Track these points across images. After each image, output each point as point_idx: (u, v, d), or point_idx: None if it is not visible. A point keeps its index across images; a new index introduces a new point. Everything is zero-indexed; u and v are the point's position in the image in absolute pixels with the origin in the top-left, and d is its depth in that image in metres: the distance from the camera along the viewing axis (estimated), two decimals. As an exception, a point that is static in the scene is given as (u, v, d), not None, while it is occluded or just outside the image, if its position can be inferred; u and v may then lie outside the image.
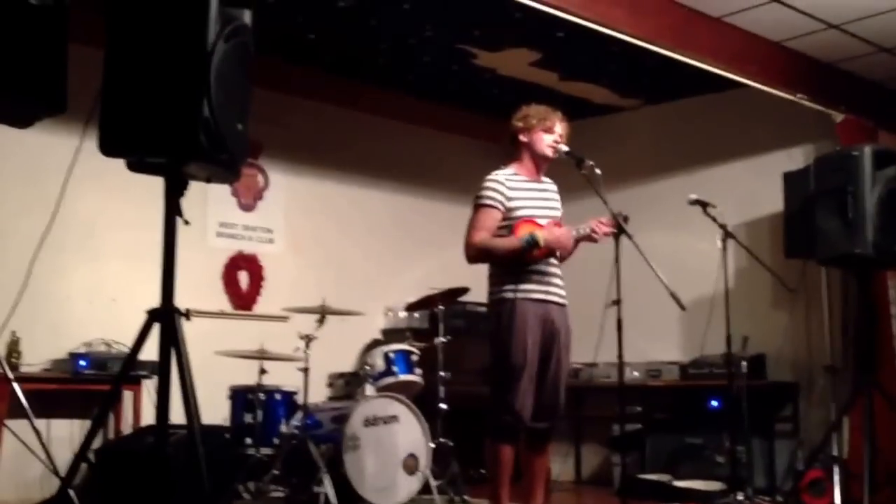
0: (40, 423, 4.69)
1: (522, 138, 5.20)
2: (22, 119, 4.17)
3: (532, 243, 4.94)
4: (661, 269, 5.12)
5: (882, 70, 7.54)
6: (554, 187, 5.35)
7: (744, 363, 6.73)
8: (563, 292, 5.17)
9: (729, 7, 6.49)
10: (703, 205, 6.26)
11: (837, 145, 7.30)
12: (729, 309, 6.29)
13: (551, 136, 5.17)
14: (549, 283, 5.08)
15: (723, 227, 6.29)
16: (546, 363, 5.04)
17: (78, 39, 3.96)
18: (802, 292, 7.54)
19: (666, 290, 5.11)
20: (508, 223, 5.05)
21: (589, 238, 5.14)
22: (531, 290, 5.02)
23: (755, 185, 8.00)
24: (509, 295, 5.00)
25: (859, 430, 6.67)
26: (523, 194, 5.11)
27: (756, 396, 6.81)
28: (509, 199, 5.06)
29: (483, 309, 5.75)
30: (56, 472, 4.60)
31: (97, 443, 6.36)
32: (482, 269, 5.21)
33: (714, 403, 7.57)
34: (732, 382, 6.50)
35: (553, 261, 5.14)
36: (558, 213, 5.25)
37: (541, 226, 5.04)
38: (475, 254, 5.07)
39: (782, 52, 7.13)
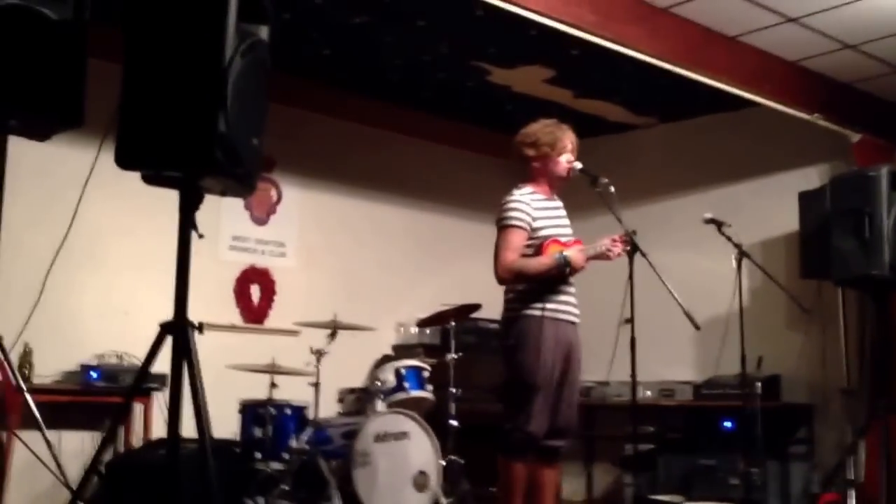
0: (51, 435, 4.68)
1: (537, 165, 5.19)
2: (40, 132, 4.19)
3: (565, 262, 4.94)
4: (674, 288, 5.11)
5: (899, 90, 7.52)
6: (561, 204, 5.35)
7: (758, 384, 6.69)
8: (577, 311, 5.17)
9: (745, 27, 6.49)
10: (718, 224, 6.24)
11: (853, 165, 7.28)
12: (743, 329, 6.26)
13: (566, 157, 5.18)
14: (566, 303, 5.09)
15: (738, 246, 6.26)
16: (562, 382, 5.03)
17: (95, 54, 3.97)
18: (818, 313, 7.50)
19: (680, 308, 5.10)
20: (534, 243, 5.05)
21: (603, 256, 5.14)
22: (553, 309, 5.02)
23: (770, 205, 7.97)
24: (536, 314, 4.99)
25: (875, 453, 6.63)
26: (545, 213, 5.13)
27: (770, 418, 6.76)
28: (535, 219, 5.06)
29: (495, 326, 5.73)
30: (67, 485, 4.60)
31: (108, 455, 6.36)
32: (494, 286, 5.20)
33: (728, 424, 7.53)
34: (747, 403, 6.46)
35: (571, 280, 5.14)
36: (570, 231, 5.26)
37: (566, 244, 5.05)
38: (508, 275, 5.06)
39: (798, 71, 7.11)
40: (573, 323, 5.13)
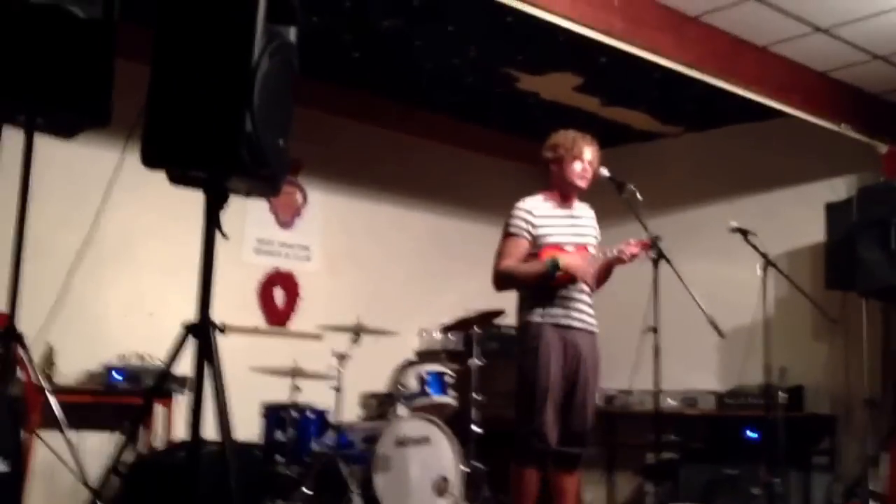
0: (73, 435, 4.68)
1: (553, 168, 5.23)
2: (66, 130, 4.20)
3: (553, 267, 4.96)
4: (700, 297, 5.09)
5: (929, 102, 7.47)
6: (589, 213, 5.37)
7: (782, 394, 6.64)
8: (591, 319, 5.18)
9: (774, 36, 6.46)
10: (744, 233, 6.21)
11: (881, 177, 7.23)
12: (767, 339, 6.22)
13: (581, 165, 5.19)
14: (575, 309, 5.11)
15: (764, 255, 6.23)
16: (572, 389, 5.05)
17: (122, 54, 3.99)
18: (842, 324, 7.44)
19: (704, 316, 5.07)
20: (535, 250, 5.08)
21: (618, 261, 5.13)
22: (557, 315, 5.06)
23: (796, 215, 7.92)
24: (536, 319, 5.07)
25: (898, 465, 6.58)
26: (550, 221, 5.16)
27: (793, 428, 6.72)
28: (536, 226, 5.11)
29: (518, 333, 5.74)
30: (87, 484, 4.59)
31: (129, 456, 6.37)
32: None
33: (751, 434, 7.48)
34: (770, 413, 6.42)
35: (583, 287, 5.14)
36: (591, 240, 5.27)
37: (565, 251, 5.06)
38: (500, 280, 5.18)
39: (827, 82, 7.07)
40: (584, 329, 5.13)
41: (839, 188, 7.65)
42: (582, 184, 5.22)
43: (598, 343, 5.20)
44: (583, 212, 5.36)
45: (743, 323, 6.74)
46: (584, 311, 5.16)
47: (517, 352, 5.16)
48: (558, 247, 5.10)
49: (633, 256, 5.14)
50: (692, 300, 5.11)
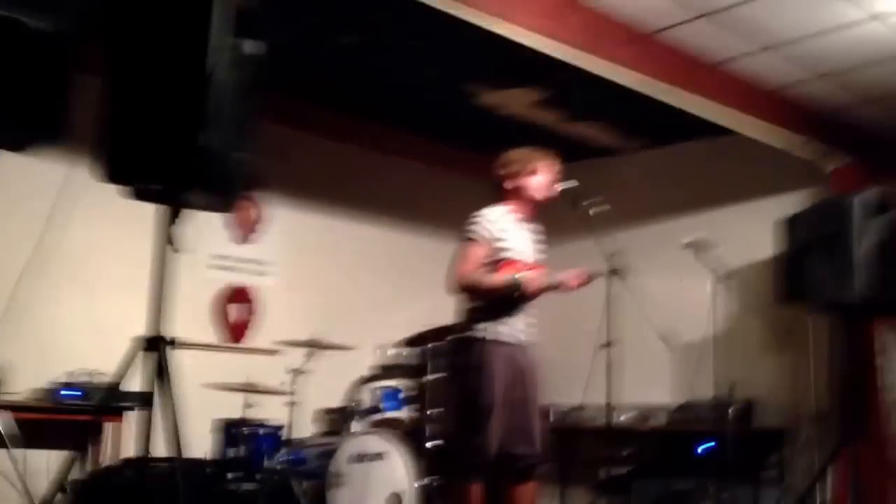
0: (20, 453, 4.63)
1: (509, 185, 5.23)
2: (17, 144, 4.15)
3: (516, 286, 4.96)
4: (655, 311, 5.12)
5: (876, 119, 7.54)
6: (540, 229, 5.37)
7: (731, 409, 6.68)
8: (532, 330, 5.18)
9: (725, 53, 6.51)
10: (697, 248, 6.25)
11: (830, 193, 7.30)
12: (718, 353, 6.26)
13: (538, 178, 5.20)
14: (517, 325, 5.10)
15: (714, 270, 6.27)
16: (514, 403, 5.03)
17: (73, 67, 3.95)
18: (792, 339, 7.50)
19: (654, 329, 5.10)
20: (492, 261, 5.07)
21: (562, 287, 5.14)
22: (502, 332, 5.06)
23: (749, 231, 7.96)
24: (480, 335, 5.04)
25: (844, 479, 6.63)
26: (511, 234, 5.16)
27: (744, 442, 6.76)
28: (497, 237, 5.08)
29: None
30: (33, 503, 4.54)
31: (78, 474, 6.29)
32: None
33: (701, 449, 7.52)
34: (719, 428, 6.46)
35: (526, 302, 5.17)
36: (543, 257, 5.28)
37: (521, 267, 5.07)
38: (462, 285, 5.09)
39: (778, 99, 7.13)
40: (525, 344, 5.15)
41: (791, 204, 7.71)
42: (542, 196, 5.23)
43: (535, 354, 5.22)
44: (536, 228, 5.37)
45: (696, 337, 6.77)
46: (525, 325, 5.18)
47: (459, 367, 5.14)
48: (514, 263, 5.10)
49: (576, 287, 5.17)
50: (645, 315, 5.14)
